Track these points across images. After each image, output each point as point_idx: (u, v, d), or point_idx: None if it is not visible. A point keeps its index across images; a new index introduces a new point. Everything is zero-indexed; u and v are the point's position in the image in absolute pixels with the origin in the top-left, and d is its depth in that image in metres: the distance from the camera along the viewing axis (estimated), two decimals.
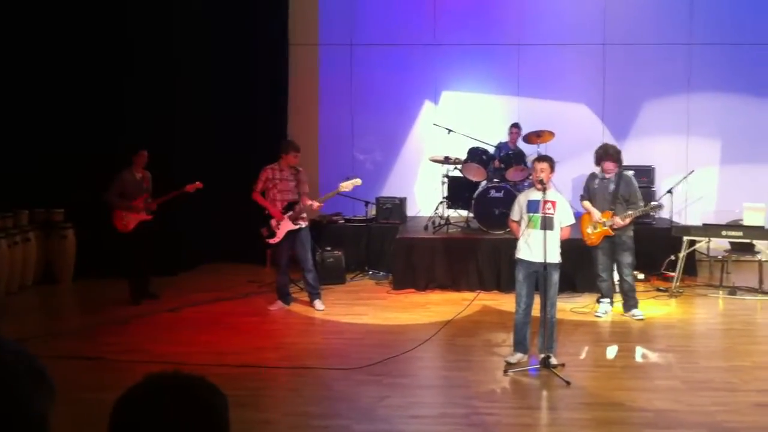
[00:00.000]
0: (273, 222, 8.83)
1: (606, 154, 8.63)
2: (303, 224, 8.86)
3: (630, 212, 8.55)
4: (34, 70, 10.51)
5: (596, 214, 8.56)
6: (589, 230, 8.62)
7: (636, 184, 8.81)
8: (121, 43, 10.88)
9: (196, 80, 11.57)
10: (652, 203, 9.00)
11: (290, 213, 8.77)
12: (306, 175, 9.03)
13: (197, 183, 9.41)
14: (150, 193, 9.32)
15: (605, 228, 8.52)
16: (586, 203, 8.72)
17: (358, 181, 8.99)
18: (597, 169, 8.80)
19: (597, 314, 8.75)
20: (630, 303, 8.72)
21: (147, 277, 9.51)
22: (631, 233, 8.67)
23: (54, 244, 10.53)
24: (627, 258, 8.64)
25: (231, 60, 12.05)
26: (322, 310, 9.02)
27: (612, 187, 8.60)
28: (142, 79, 10.90)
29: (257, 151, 12.03)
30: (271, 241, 8.93)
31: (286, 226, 8.78)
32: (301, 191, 8.87)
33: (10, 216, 9.98)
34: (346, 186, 8.90)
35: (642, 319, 8.56)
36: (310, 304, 9.16)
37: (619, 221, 8.43)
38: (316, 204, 8.94)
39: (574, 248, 8.54)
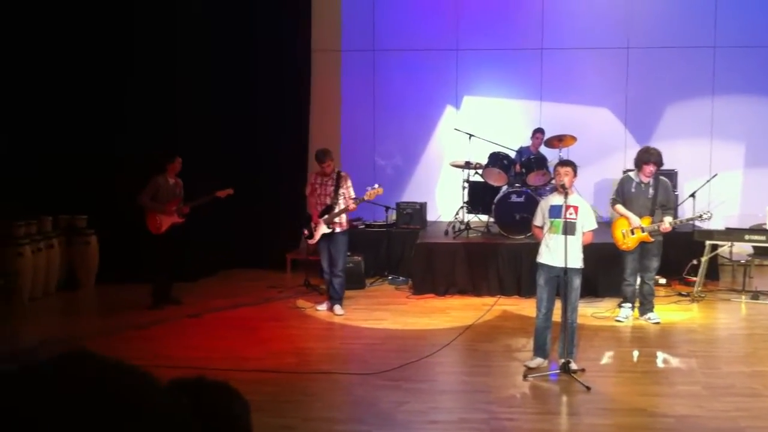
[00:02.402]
0: (312, 224, 9.08)
1: (649, 156, 8.38)
2: (337, 228, 8.96)
3: (678, 219, 8.51)
4: (35, 71, 10.55)
5: (635, 219, 8.42)
6: (625, 235, 8.49)
7: (672, 189, 8.73)
8: (126, 46, 10.93)
9: (208, 83, 11.51)
10: (703, 214, 8.69)
11: (325, 217, 8.91)
12: (348, 180, 9.06)
13: (229, 189, 9.50)
14: (182, 199, 9.42)
15: (644, 234, 8.42)
16: (620, 207, 8.54)
17: (379, 191, 9.04)
18: (632, 172, 8.67)
19: (618, 319, 8.69)
20: (647, 307, 8.68)
21: (170, 282, 9.59)
22: (661, 238, 8.57)
23: (77, 250, 10.63)
24: (654, 263, 8.58)
25: (249, 64, 12.09)
26: (342, 315, 9.07)
27: (651, 192, 8.47)
28: (145, 80, 10.93)
29: (280, 157, 12.09)
30: (310, 241, 9.25)
31: (321, 229, 8.98)
32: (342, 195, 8.99)
33: (34, 222, 10.08)
34: (369, 195, 8.98)
35: (658, 323, 8.52)
36: (330, 308, 9.21)
37: (667, 227, 8.32)
38: (351, 205, 8.99)
39: (596, 253, 8.44)
